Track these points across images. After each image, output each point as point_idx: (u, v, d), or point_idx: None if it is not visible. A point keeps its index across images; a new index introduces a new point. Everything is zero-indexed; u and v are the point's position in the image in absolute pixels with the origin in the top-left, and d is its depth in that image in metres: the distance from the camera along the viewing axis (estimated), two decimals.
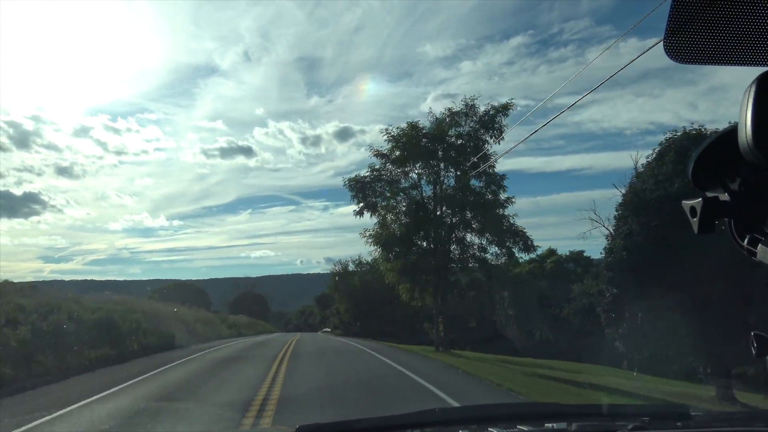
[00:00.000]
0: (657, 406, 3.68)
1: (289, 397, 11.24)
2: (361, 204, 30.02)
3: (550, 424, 2.12)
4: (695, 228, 0.99)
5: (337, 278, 57.44)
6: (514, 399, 11.92)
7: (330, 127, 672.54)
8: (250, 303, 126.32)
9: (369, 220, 30.91)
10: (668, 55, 0.93)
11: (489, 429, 2.11)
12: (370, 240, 30.19)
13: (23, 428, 8.62)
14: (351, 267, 59.68)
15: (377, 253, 31.22)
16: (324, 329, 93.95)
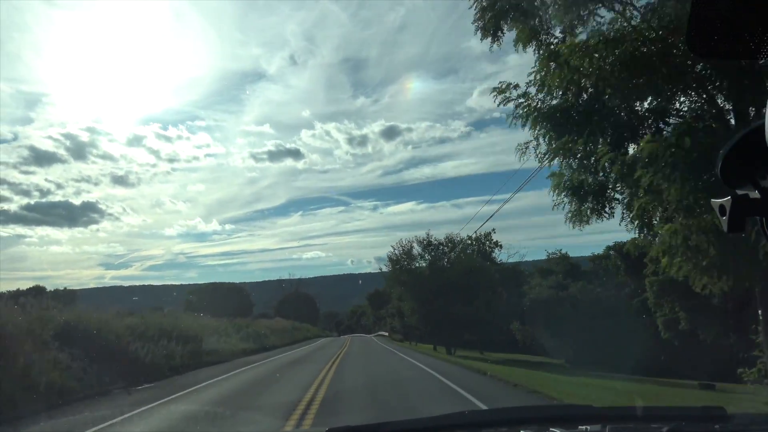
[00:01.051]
0: (693, 408, 2.83)
1: None
2: None
3: (583, 427, 2.05)
4: (724, 227, 0.98)
5: (396, 266, 45.08)
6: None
7: (376, 127, 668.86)
8: (297, 304, 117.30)
9: None
10: (691, 50, 0.95)
11: (521, 431, 2.04)
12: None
13: None
14: (416, 249, 45.45)
15: None
16: (379, 333, 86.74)
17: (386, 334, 72.04)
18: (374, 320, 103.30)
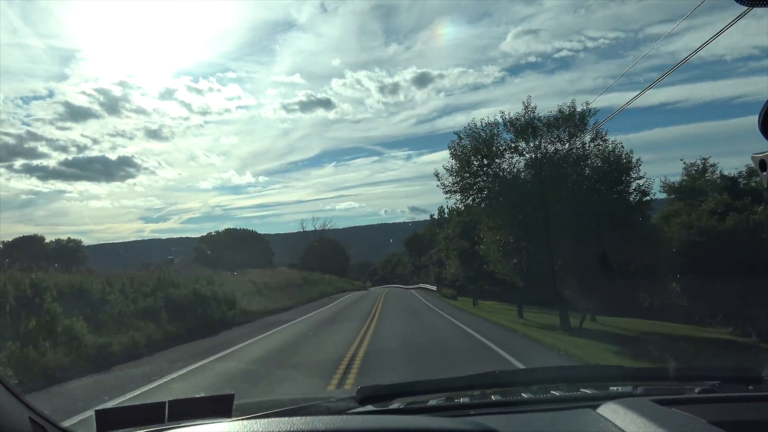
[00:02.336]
0: (727, 368, 2.63)
1: None
2: None
3: (614, 387, 2.08)
4: (764, 182, 0.97)
5: (466, 173, 25.78)
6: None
7: (408, 74, 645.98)
8: (324, 253, 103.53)
9: None
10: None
11: (551, 391, 2.08)
12: None
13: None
14: (503, 140, 25.68)
15: None
16: (420, 285, 70.14)
17: (433, 288, 56.61)
18: (412, 269, 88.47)
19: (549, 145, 21.52)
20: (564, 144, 21.29)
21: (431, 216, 76.21)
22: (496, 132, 22.13)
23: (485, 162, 21.88)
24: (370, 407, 1.95)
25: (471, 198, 23.10)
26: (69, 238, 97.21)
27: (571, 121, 21.06)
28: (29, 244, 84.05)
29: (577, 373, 2.54)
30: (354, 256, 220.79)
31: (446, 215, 72.57)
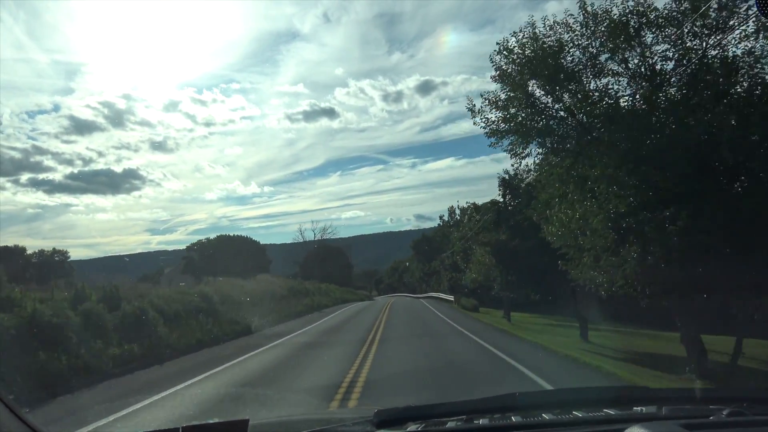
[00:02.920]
0: (756, 389, 3.10)
1: None
2: None
3: (638, 408, 2.03)
4: None
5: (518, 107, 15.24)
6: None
7: (411, 82, 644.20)
8: (325, 260, 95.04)
9: None
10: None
11: (574, 412, 1.99)
12: None
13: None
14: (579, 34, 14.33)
15: None
16: (430, 293, 61.63)
17: (449, 297, 47.55)
18: (421, 276, 79.95)
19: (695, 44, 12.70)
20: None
21: (440, 218, 68.18)
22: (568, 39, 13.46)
23: (557, 88, 13.27)
24: (387, 431, 1.88)
25: (537, 144, 14.39)
26: (54, 248, 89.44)
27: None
28: (8, 256, 75.93)
29: (600, 395, 2.45)
30: (360, 264, 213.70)
31: (458, 216, 63.83)
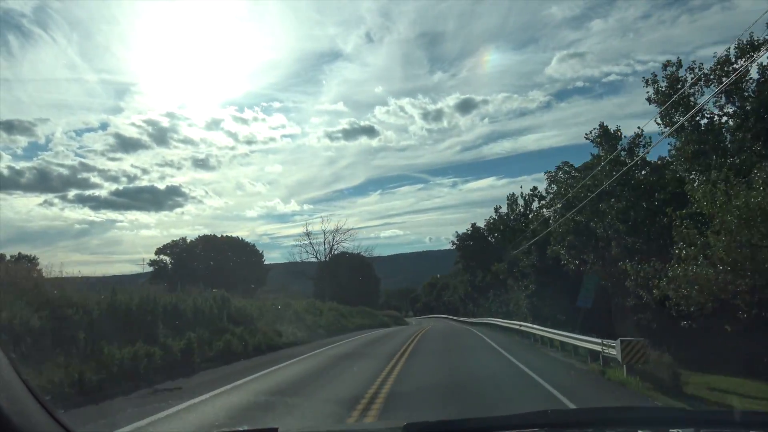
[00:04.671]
0: None
1: None
2: None
3: (675, 430, 2.01)
4: None
5: None
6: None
7: (451, 100, 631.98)
8: (346, 274, 74.76)
9: None
10: None
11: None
12: None
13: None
14: None
15: None
16: (491, 320, 36.12)
17: (520, 325, 25.73)
18: (467, 293, 58.43)
19: None
20: None
21: (496, 210, 47.20)
22: None
23: None
24: None
25: None
26: (20, 253, 72.14)
27: None
28: None
29: (634, 415, 2.41)
30: (397, 283, 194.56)
31: (521, 206, 43.08)
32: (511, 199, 46.13)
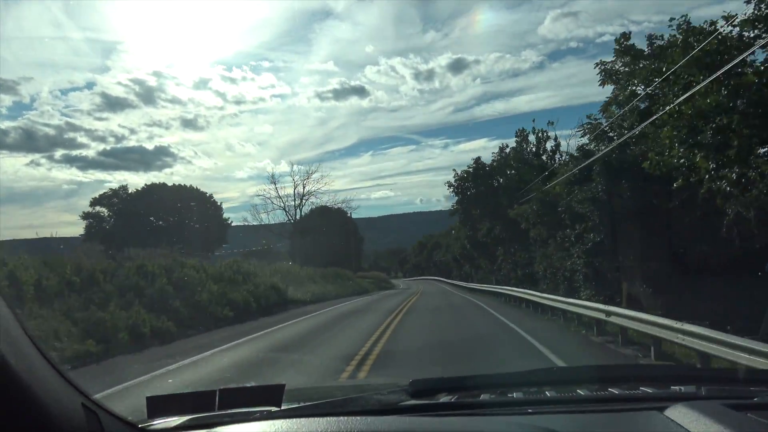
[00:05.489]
0: None
1: None
2: None
3: (676, 387, 1.92)
4: None
5: None
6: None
7: (443, 60, 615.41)
8: (325, 235, 64.47)
9: None
10: None
11: (610, 389, 1.94)
12: None
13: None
14: None
15: None
16: (506, 288, 25.91)
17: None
18: (464, 252, 48.25)
19: None
20: None
21: (501, 148, 36.59)
22: None
23: None
24: (421, 401, 1.81)
25: None
26: None
27: None
28: None
29: (638, 372, 2.46)
30: (387, 244, 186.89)
31: (532, 144, 32.90)
32: (521, 136, 35.62)
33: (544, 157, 34.21)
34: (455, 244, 58.34)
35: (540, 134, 35.18)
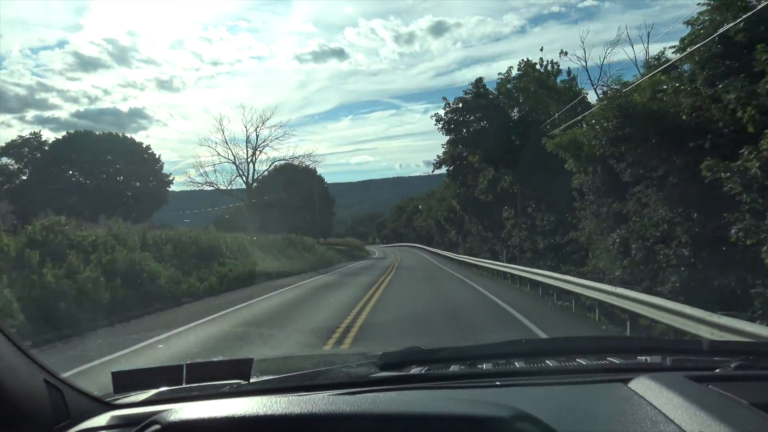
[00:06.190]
0: (762, 343, 3.08)
1: None
2: None
3: (642, 357, 1.97)
4: None
5: None
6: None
7: (424, 23, 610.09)
8: (289, 197, 55.24)
9: None
10: None
11: (577, 360, 1.99)
12: None
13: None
14: None
15: None
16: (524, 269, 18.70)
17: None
18: (451, 215, 39.63)
19: None
20: None
21: (504, 75, 27.47)
22: None
23: None
24: (391, 373, 1.82)
25: None
26: None
27: None
28: None
29: (606, 344, 2.51)
30: (366, 210, 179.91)
31: (541, 68, 23.87)
32: (527, 65, 26.56)
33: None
34: (439, 207, 49.76)
35: (550, 66, 26.39)
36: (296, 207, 53.62)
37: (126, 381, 1.54)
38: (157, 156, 49.90)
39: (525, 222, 21.50)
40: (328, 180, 58.57)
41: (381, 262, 40.32)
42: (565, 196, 17.29)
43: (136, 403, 1.52)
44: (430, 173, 38.15)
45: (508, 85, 23.82)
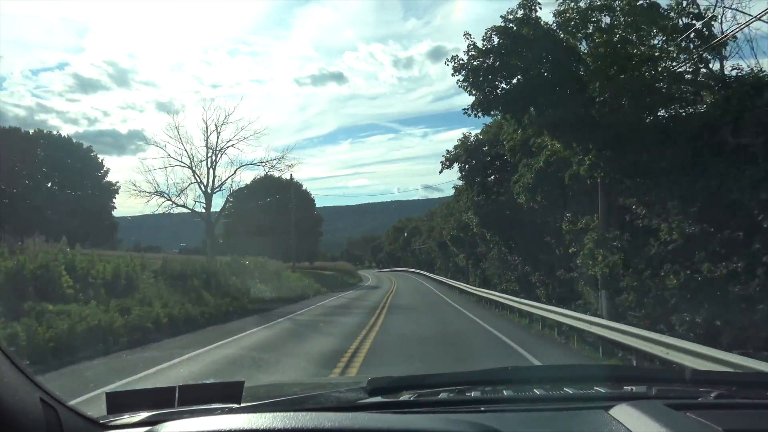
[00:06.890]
0: (746, 374, 3.17)
1: None
2: None
3: (628, 387, 2.01)
4: None
5: None
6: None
7: (422, 47, 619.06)
8: (265, 216, 45.71)
9: None
10: None
11: (564, 389, 2.02)
12: None
13: None
14: None
15: None
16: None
17: None
18: (458, 235, 30.83)
19: None
20: None
21: (506, 15, 18.94)
22: None
23: None
24: (379, 398, 1.88)
25: None
26: None
27: None
28: None
29: (592, 373, 2.51)
30: (364, 233, 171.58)
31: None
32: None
33: None
34: (444, 225, 40.79)
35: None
36: (271, 225, 44.51)
37: (119, 402, 1.58)
38: (100, 160, 41.07)
39: (616, 234, 12.30)
40: (325, 203, 48.92)
41: (370, 294, 31.29)
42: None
43: (129, 424, 1.53)
44: (428, 197, 29.52)
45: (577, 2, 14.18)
